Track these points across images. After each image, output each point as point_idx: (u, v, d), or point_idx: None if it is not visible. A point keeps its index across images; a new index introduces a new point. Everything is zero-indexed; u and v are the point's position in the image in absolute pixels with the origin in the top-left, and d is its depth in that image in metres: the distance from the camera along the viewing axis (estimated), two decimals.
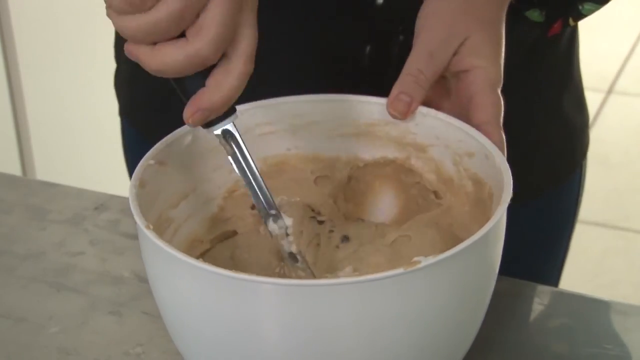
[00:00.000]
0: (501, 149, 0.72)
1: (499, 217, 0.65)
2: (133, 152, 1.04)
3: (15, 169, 1.87)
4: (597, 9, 0.85)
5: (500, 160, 0.70)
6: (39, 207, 0.97)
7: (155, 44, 0.64)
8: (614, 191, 2.64)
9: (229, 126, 0.68)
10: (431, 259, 0.60)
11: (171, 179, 0.74)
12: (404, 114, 0.74)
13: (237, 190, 0.79)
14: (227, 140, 0.69)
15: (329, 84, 0.80)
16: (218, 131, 0.68)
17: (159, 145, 0.73)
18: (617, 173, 2.70)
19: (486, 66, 0.74)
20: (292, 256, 0.72)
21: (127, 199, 0.95)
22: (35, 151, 1.93)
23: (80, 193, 0.99)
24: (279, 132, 0.79)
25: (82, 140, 2.08)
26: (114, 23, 0.64)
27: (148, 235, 0.64)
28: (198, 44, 0.63)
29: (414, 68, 0.74)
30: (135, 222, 0.66)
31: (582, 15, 0.85)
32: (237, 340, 0.63)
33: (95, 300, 0.85)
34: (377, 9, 0.85)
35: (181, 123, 0.69)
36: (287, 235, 0.72)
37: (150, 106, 0.73)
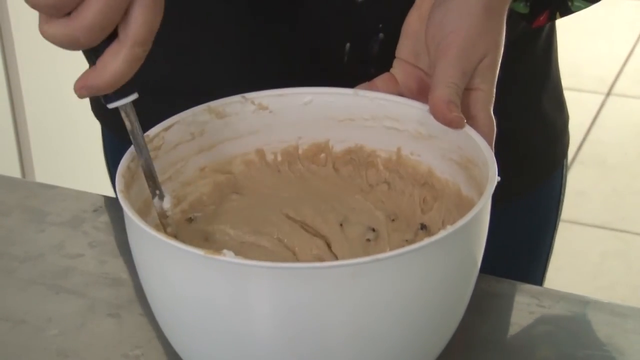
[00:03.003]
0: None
1: (483, 205, 0.65)
2: (112, 155, 1.05)
3: (14, 172, 1.87)
4: (586, 6, 0.85)
5: (486, 149, 0.70)
6: (38, 209, 0.96)
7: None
8: (612, 193, 2.64)
9: (126, 106, 0.68)
10: (412, 246, 0.60)
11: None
12: (459, 126, 0.73)
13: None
14: (127, 116, 0.69)
15: (309, 81, 0.80)
16: (112, 107, 0.69)
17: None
18: (616, 175, 2.70)
19: (487, 90, 0.74)
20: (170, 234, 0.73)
21: None
22: (35, 153, 1.93)
23: (79, 195, 0.98)
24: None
25: (82, 143, 2.07)
26: None
27: (135, 220, 0.64)
28: (72, 27, 0.63)
29: (451, 82, 0.73)
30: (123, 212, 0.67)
31: (569, 11, 0.85)
32: (228, 323, 0.64)
33: (94, 303, 0.85)
34: (356, 7, 0.84)
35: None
36: (167, 216, 0.73)
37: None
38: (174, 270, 0.64)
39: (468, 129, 0.72)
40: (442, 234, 0.62)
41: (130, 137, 0.70)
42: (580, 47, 3.06)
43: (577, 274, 2.34)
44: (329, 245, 0.74)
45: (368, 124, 0.78)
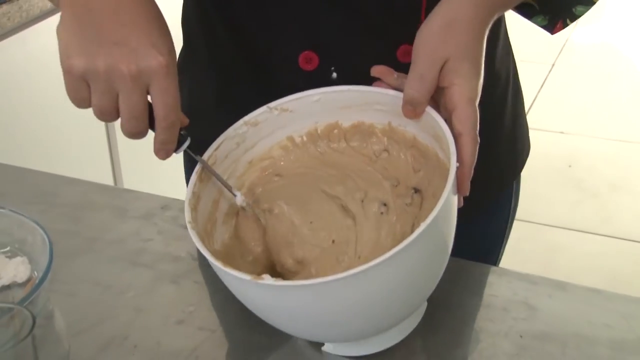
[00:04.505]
0: (471, 159, 0.65)
1: (446, 196, 0.61)
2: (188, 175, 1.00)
3: (108, 180, 1.86)
4: (587, 10, 0.78)
5: (447, 131, 0.66)
6: (122, 207, 0.95)
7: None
8: (523, 196, 2.62)
9: (184, 149, 0.68)
10: (398, 247, 0.58)
11: (210, 189, 0.72)
12: (412, 117, 0.69)
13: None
14: (193, 153, 0.69)
15: None
16: (178, 153, 0.69)
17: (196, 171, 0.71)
18: (527, 185, 2.68)
19: (462, 83, 0.66)
20: (249, 206, 0.73)
21: (184, 201, 0.93)
22: (123, 166, 1.90)
23: (151, 197, 0.96)
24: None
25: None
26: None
27: (202, 251, 0.63)
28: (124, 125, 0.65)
29: (409, 89, 0.68)
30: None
31: (575, 17, 0.78)
32: (274, 312, 0.65)
33: (161, 273, 0.83)
34: (332, 83, 0.78)
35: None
36: (244, 209, 0.73)
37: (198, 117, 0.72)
38: (234, 284, 0.64)
39: (435, 115, 0.68)
40: (417, 232, 0.59)
41: (200, 164, 0.70)
42: None
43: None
44: (354, 220, 0.71)
45: (363, 108, 0.74)
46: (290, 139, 0.76)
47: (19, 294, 0.70)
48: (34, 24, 1.64)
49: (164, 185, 1.17)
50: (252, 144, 0.75)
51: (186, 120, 0.68)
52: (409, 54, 0.70)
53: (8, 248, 0.72)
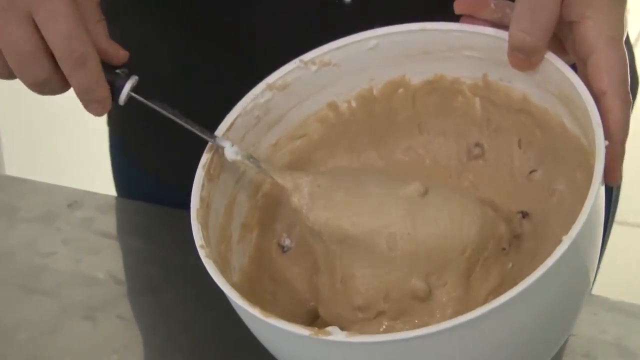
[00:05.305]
0: (622, 131, 0.57)
1: (596, 191, 0.50)
2: (117, 160, 0.94)
3: None
4: None
5: (585, 94, 0.56)
6: (8, 204, 0.88)
7: None
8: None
9: (129, 93, 0.61)
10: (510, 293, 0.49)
11: (220, 190, 0.63)
12: (525, 69, 0.60)
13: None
14: (144, 99, 0.62)
15: None
16: (122, 102, 0.61)
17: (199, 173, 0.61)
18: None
19: (598, 17, 0.57)
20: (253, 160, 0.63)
21: (103, 195, 0.91)
22: (5, 146, 1.80)
23: (52, 189, 0.90)
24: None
25: (55, 133, 1.94)
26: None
27: (230, 296, 0.54)
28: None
29: (516, 30, 0.59)
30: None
31: None
32: None
33: (68, 304, 0.77)
34: (346, 11, 0.73)
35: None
36: (239, 158, 0.62)
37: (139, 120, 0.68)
38: (282, 344, 0.56)
39: (560, 64, 0.58)
40: (559, 251, 0.48)
41: (163, 112, 0.61)
42: None
43: None
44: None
45: (446, 56, 0.64)
46: (333, 106, 0.66)
47: None
48: None
49: (71, 171, 1.06)
50: (278, 116, 0.64)
51: (120, 53, 0.62)
52: None
53: None
